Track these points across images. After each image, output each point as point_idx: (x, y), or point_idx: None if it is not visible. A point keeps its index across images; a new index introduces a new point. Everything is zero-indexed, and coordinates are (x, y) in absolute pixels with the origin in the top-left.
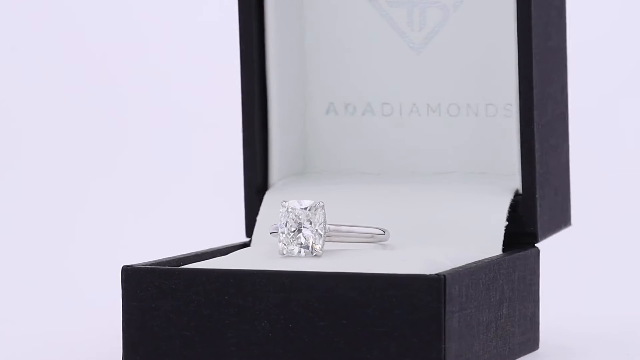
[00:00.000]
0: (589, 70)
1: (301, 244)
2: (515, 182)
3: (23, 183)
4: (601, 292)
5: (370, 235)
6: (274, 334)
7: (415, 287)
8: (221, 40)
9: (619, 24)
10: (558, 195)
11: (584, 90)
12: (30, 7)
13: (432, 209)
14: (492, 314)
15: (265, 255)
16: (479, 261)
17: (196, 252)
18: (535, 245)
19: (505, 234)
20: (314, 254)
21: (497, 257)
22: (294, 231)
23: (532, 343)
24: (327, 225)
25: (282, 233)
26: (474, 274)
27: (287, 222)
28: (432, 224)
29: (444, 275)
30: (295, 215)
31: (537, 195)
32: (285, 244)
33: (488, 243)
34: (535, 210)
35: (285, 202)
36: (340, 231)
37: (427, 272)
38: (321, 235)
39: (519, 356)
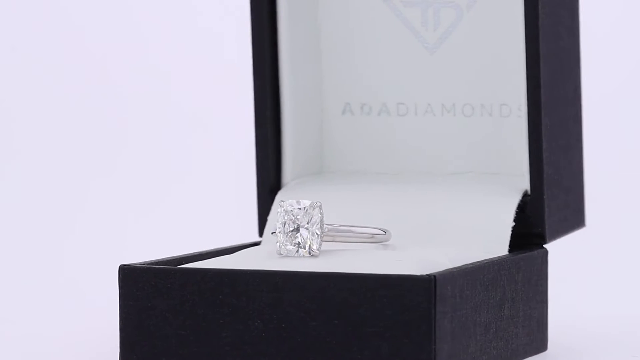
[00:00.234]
0: (607, 71)
1: (299, 243)
2: (526, 183)
3: (24, 183)
4: (615, 293)
5: (371, 235)
6: (267, 334)
7: (406, 287)
8: (236, 38)
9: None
10: (570, 196)
11: (601, 91)
12: (30, 7)
13: (440, 210)
14: (492, 315)
15: (266, 255)
16: (477, 262)
17: (201, 251)
18: (544, 246)
19: (514, 234)
20: (311, 254)
21: (498, 258)
22: (292, 231)
23: (538, 344)
24: (325, 225)
25: (280, 233)
26: (470, 275)
27: (284, 222)
28: (440, 224)
29: (435, 276)
30: (293, 215)
31: (545, 196)
32: (283, 244)
33: (494, 243)
34: (543, 211)
35: (283, 202)
36: (339, 231)
37: (420, 273)
38: (318, 235)
39: (524, 357)
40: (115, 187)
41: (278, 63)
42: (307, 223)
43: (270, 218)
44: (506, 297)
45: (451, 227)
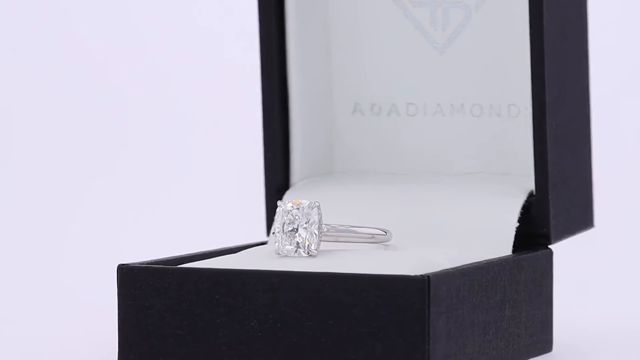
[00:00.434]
0: (619, 70)
1: (297, 243)
2: (532, 183)
3: (24, 182)
4: (622, 294)
5: (371, 235)
6: (262, 334)
7: (400, 287)
8: (242, 38)
9: None
10: (577, 196)
11: (612, 90)
12: (30, 8)
13: (446, 210)
14: (492, 315)
15: (266, 255)
16: (476, 262)
17: (204, 251)
18: (550, 246)
19: (519, 235)
20: (310, 254)
21: (498, 258)
22: (290, 231)
23: (543, 345)
24: (324, 225)
25: (279, 233)
26: (468, 275)
27: (283, 222)
28: (445, 224)
29: (428, 276)
30: (292, 215)
31: (549, 197)
32: (281, 244)
33: (498, 244)
34: (548, 211)
35: (281, 202)
36: (340, 231)
37: (416, 273)
38: (316, 235)
39: (527, 358)
40: (118, 186)
41: (286, 63)
42: (306, 223)
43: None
44: (507, 298)
45: (455, 227)
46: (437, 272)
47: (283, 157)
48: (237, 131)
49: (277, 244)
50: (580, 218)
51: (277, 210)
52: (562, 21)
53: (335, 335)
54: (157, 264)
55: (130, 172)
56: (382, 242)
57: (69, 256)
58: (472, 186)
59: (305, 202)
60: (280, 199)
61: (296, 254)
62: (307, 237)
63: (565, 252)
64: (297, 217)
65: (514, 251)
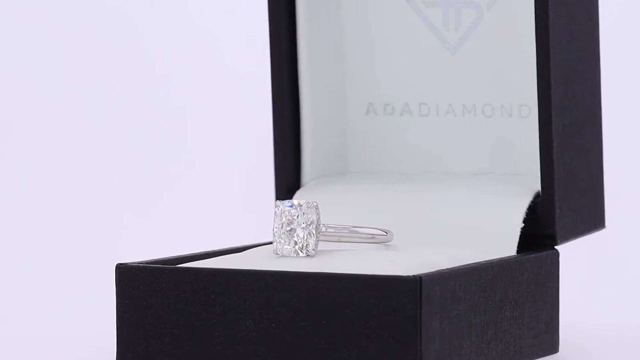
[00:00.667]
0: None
1: (295, 243)
2: (539, 184)
3: (22, 182)
4: (631, 295)
5: (371, 236)
6: (257, 334)
7: (392, 288)
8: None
9: None
10: (586, 197)
11: (625, 91)
12: (30, 8)
13: (451, 210)
14: (491, 316)
15: (265, 255)
16: (475, 263)
17: (207, 251)
18: (556, 247)
19: (525, 236)
20: (307, 254)
21: (498, 259)
22: (288, 231)
23: (547, 346)
24: (322, 225)
25: (277, 233)
26: (465, 275)
27: (281, 222)
28: (450, 225)
29: (420, 277)
30: (290, 215)
31: (555, 197)
32: (279, 244)
33: (503, 244)
34: (554, 212)
35: (279, 202)
36: (338, 231)
37: (411, 274)
38: (314, 235)
39: (531, 359)
40: (120, 186)
41: (297, 63)
42: (304, 223)
43: None
44: (508, 299)
45: (461, 227)
46: (430, 272)
47: (294, 156)
48: (250, 131)
49: (275, 243)
50: (590, 219)
51: (275, 210)
52: (569, 22)
53: (328, 335)
54: (155, 264)
55: (133, 171)
56: (383, 242)
57: (68, 255)
58: (481, 187)
59: (303, 202)
60: (291, 198)
61: (294, 254)
62: (305, 237)
63: (575, 252)
64: (295, 217)
65: (519, 252)
